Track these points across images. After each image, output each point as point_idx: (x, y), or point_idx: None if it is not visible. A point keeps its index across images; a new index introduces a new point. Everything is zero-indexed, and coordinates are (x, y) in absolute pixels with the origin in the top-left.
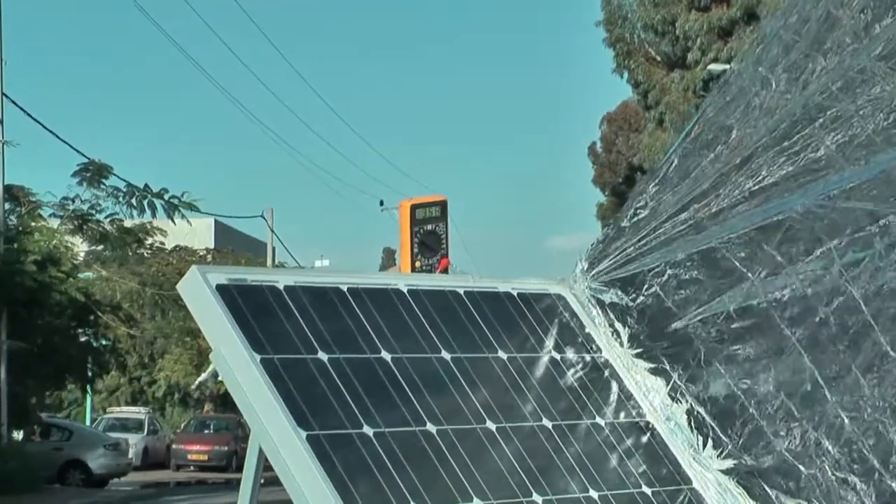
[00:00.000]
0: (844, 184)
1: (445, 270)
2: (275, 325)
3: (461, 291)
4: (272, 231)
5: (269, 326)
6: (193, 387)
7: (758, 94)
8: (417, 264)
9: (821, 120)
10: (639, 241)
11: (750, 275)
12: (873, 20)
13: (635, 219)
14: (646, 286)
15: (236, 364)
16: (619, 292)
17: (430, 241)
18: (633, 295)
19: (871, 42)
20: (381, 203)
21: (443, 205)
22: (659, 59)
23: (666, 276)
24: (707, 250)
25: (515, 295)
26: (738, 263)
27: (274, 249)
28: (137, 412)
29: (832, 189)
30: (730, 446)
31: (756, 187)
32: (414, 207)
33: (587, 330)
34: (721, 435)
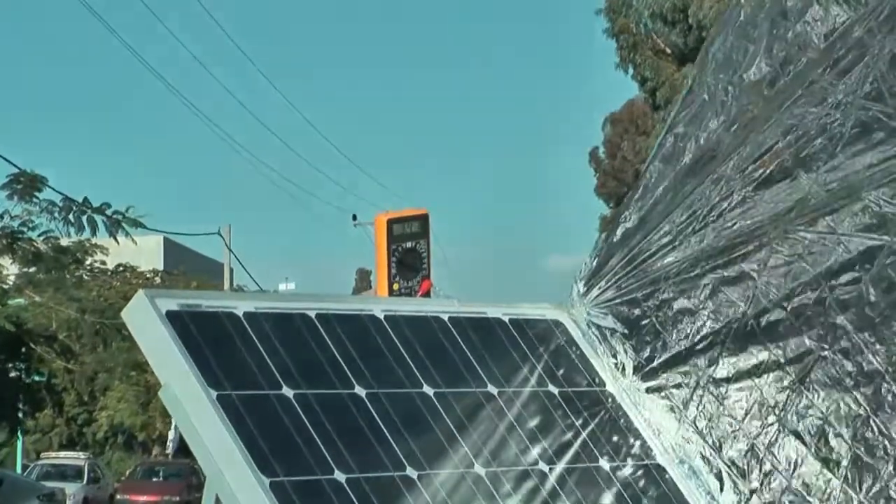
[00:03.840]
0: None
1: (427, 294)
2: (233, 356)
3: (445, 318)
4: (230, 250)
5: (227, 358)
6: (169, 452)
7: (723, 101)
8: (395, 287)
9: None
10: (629, 259)
11: (757, 277)
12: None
13: (622, 235)
14: (643, 309)
15: (189, 401)
16: (618, 317)
17: (409, 260)
18: (635, 319)
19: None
20: (354, 218)
21: (424, 219)
22: (669, 51)
23: (659, 298)
24: (704, 257)
25: (507, 321)
26: (745, 267)
27: (232, 271)
28: (76, 457)
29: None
30: (753, 492)
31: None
32: (391, 222)
33: (588, 360)
34: (741, 479)
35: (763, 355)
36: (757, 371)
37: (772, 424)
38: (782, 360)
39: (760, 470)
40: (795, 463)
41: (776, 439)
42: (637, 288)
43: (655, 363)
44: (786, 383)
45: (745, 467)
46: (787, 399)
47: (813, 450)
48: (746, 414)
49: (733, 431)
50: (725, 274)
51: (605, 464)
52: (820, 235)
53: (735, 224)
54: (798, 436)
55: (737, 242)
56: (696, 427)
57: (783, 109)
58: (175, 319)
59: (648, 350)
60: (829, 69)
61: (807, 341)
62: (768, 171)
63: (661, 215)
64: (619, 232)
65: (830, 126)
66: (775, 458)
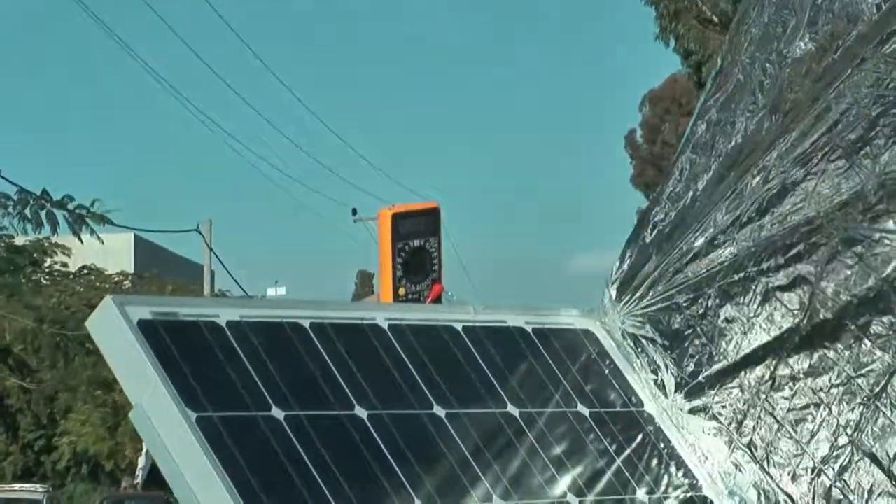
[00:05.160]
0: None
1: (438, 299)
2: (215, 372)
3: (459, 327)
4: (210, 249)
5: (208, 375)
6: (139, 482)
7: (761, 82)
8: (402, 291)
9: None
10: (667, 261)
11: (815, 281)
12: None
13: (657, 234)
14: (685, 317)
15: (164, 424)
16: (657, 327)
17: (418, 260)
18: (676, 329)
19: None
20: (354, 212)
21: (435, 214)
22: (716, 20)
23: (704, 304)
24: (753, 259)
25: (530, 331)
26: (801, 269)
27: (213, 274)
28: (33, 490)
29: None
30: None
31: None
32: (397, 217)
33: (623, 375)
34: None
35: (829, 368)
36: (824, 386)
37: (843, 447)
38: (852, 374)
39: (828, 500)
40: (870, 491)
41: (849, 463)
42: (677, 293)
43: (701, 378)
44: (859, 400)
45: (810, 497)
46: (860, 418)
47: (891, 476)
48: (812, 436)
49: (796, 456)
50: (778, 277)
51: (642, 495)
52: (884, 234)
53: (786, 221)
54: (875, 459)
55: (789, 241)
56: (751, 452)
57: (832, 91)
58: (148, 330)
59: (693, 364)
60: (883, 44)
61: (878, 352)
62: (819, 161)
63: (700, 212)
64: (652, 231)
65: (887, 109)
66: (847, 485)
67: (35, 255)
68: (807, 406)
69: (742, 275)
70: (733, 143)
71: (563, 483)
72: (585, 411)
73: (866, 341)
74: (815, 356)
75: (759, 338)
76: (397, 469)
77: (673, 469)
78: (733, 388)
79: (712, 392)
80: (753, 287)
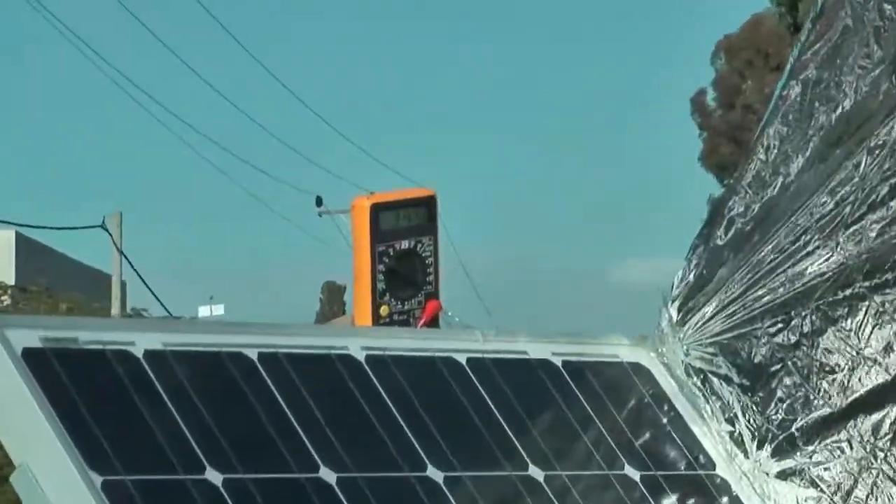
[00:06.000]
0: None
1: (435, 321)
2: (128, 421)
3: (463, 359)
4: (121, 253)
5: (118, 424)
6: None
7: (877, 28)
8: (384, 311)
9: None
10: (747, 271)
11: None
12: None
13: (733, 233)
14: (772, 347)
15: (58, 492)
16: (733, 360)
17: (406, 268)
18: (760, 363)
19: None
20: (319, 202)
21: (429, 204)
22: None
23: (797, 330)
24: (863, 268)
25: (559, 365)
26: None
27: (124, 286)
28: None
29: None
30: None
31: None
32: (378, 209)
33: (687, 425)
34: None
35: None
36: None
37: None
38: None
39: None
40: None
41: None
42: (761, 315)
43: (794, 430)
44: None
45: None
46: None
47: None
48: None
49: None
50: None
51: None
52: None
53: None
54: None
55: None
56: None
57: None
58: (36, 362)
59: (783, 411)
60: None
61: None
62: None
63: (791, 205)
64: (728, 229)
65: None
66: None
67: None
68: None
69: (849, 290)
70: (839, 111)
71: None
72: (636, 475)
73: None
74: None
75: (874, 375)
76: None
77: None
78: (839, 443)
79: (810, 449)
80: (865, 307)
